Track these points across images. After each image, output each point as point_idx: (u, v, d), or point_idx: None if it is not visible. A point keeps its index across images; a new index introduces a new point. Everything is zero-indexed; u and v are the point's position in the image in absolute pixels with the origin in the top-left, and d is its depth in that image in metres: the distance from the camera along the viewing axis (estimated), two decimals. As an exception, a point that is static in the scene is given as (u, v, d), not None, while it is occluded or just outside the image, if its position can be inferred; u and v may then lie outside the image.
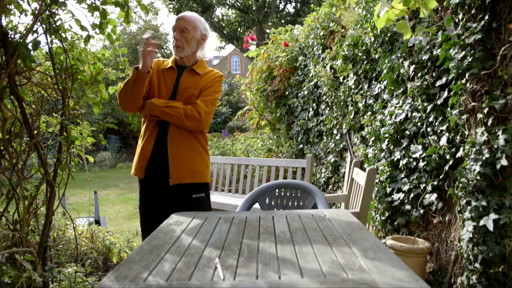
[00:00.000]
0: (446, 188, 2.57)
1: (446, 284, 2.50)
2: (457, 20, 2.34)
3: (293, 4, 21.81)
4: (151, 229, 1.63)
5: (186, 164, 2.08)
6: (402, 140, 2.96)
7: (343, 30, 4.12)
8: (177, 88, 2.11)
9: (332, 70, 4.26)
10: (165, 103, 2.05)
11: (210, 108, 2.11)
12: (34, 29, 2.15)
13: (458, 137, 2.44)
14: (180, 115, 2.03)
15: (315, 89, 4.86)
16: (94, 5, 2.28)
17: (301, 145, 5.30)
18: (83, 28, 2.32)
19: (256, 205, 2.75)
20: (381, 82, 3.30)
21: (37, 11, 2.15)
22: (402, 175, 2.92)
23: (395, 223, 2.97)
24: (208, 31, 2.20)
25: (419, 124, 2.77)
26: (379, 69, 3.37)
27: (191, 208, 2.04)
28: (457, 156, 2.42)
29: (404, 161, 2.86)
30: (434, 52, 2.58)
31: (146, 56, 1.97)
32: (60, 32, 2.29)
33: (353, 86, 3.80)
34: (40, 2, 2.14)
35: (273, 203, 2.35)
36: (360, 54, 3.61)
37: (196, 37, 2.13)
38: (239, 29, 22.24)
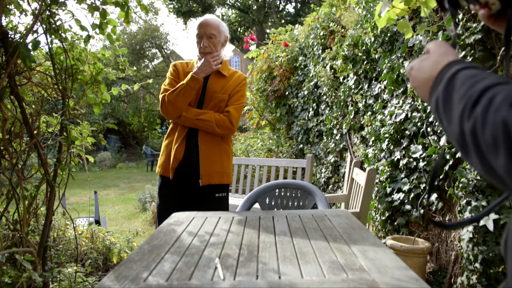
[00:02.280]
0: (446, 188, 2.57)
1: (446, 284, 2.50)
2: (457, 20, 2.34)
3: (293, 4, 21.81)
4: None
5: (216, 165, 2.14)
6: (402, 140, 2.96)
7: (343, 30, 4.12)
8: (204, 93, 2.16)
9: (332, 70, 4.26)
10: (196, 115, 2.10)
11: (240, 114, 2.19)
12: (34, 29, 2.15)
13: (458, 137, 2.43)
14: (212, 127, 2.09)
15: (315, 89, 4.86)
16: (94, 5, 2.28)
17: (301, 145, 5.30)
18: (83, 28, 2.32)
19: (256, 205, 2.75)
20: (381, 82, 3.30)
21: (37, 11, 2.15)
22: (402, 175, 2.92)
23: (395, 223, 2.97)
24: (228, 32, 2.25)
25: (419, 124, 2.77)
26: (379, 69, 3.37)
27: (214, 208, 2.07)
28: (457, 156, 2.42)
29: (404, 161, 2.86)
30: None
31: (210, 64, 2.10)
32: (60, 32, 2.29)
33: (353, 86, 3.80)
34: (40, 2, 2.14)
35: (273, 203, 2.35)
36: (360, 54, 3.61)
37: (221, 41, 2.19)
38: (239, 29, 22.24)
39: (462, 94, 0.54)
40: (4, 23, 2.19)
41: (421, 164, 2.70)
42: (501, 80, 0.52)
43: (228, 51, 2.26)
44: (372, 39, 3.27)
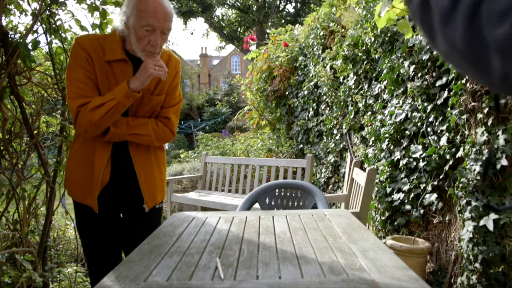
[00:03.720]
0: (446, 188, 2.57)
1: (446, 284, 2.50)
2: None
3: (293, 4, 21.82)
4: (115, 263, 1.48)
5: (157, 181, 1.74)
6: (402, 140, 2.96)
7: (343, 30, 4.12)
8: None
9: (332, 70, 4.26)
10: (129, 129, 1.60)
11: (178, 116, 1.78)
12: (34, 29, 2.15)
13: (458, 137, 2.44)
14: (151, 141, 1.66)
15: (315, 89, 4.86)
16: (94, 5, 2.28)
17: (301, 145, 5.30)
18: (83, 28, 2.32)
19: (256, 205, 2.75)
20: (381, 82, 3.30)
21: (37, 11, 2.15)
22: (402, 175, 2.92)
23: (395, 223, 2.97)
24: None
25: (419, 124, 2.77)
26: (379, 69, 3.37)
27: (153, 223, 1.75)
28: (457, 156, 2.42)
29: (404, 161, 2.86)
30: (434, 52, 2.57)
31: (152, 74, 1.51)
32: (60, 32, 2.29)
33: (353, 86, 3.80)
34: (40, 2, 2.14)
35: (273, 203, 2.35)
36: (360, 54, 3.61)
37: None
38: (239, 29, 22.25)
39: None
40: (4, 23, 2.19)
41: (421, 164, 2.70)
42: None
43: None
44: (372, 39, 3.27)
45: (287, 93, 5.67)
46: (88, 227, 1.70)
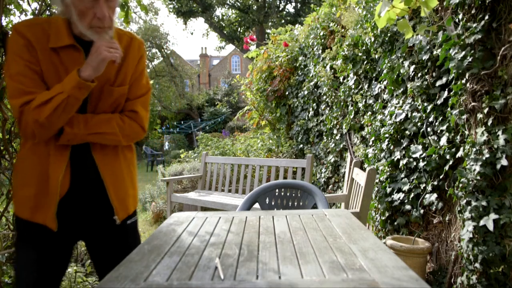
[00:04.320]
0: (446, 188, 2.57)
1: (446, 284, 2.50)
2: (457, 20, 2.34)
3: (293, 4, 21.82)
4: None
5: (128, 187, 1.47)
6: (402, 140, 2.96)
7: (343, 30, 4.12)
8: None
9: (332, 70, 4.26)
10: (89, 128, 1.34)
11: (148, 109, 1.52)
12: (34, 29, 2.14)
13: (458, 137, 2.44)
14: (117, 140, 1.40)
15: (315, 89, 4.86)
16: (94, 5, 2.28)
17: (301, 145, 5.30)
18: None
19: (256, 205, 2.75)
20: (381, 82, 3.30)
21: (37, 11, 2.15)
22: (402, 175, 2.92)
23: (395, 223, 2.98)
24: None
25: (419, 124, 2.77)
26: (379, 69, 3.37)
27: (129, 243, 1.48)
28: (457, 156, 2.42)
29: (404, 161, 2.86)
30: (434, 52, 2.58)
31: (107, 56, 1.27)
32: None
33: (353, 86, 3.80)
34: (40, 2, 2.14)
35: (273, 203, 2.35)
36: (360, 54, 3.61)
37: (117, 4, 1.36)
38: (239, 29, 22.26)
39: None
40: (4, 23, 2.19)
41: (421, 164, 2.70)
42: None
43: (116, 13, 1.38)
44: (372, 39, 3.27)
45: (287, 93, 5.67)
46: (37, 253, 1.34)
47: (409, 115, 2.85)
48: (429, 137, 2.65)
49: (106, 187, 1.39)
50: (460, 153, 2.37)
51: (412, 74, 2.84)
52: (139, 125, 1.45)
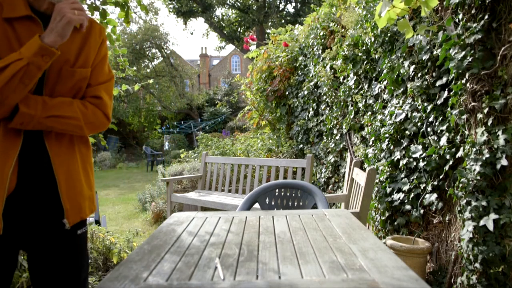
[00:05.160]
0: (446, 188, 2.57)
1: (446, 284, 2.50)
2: (457, 20, 2.34)
3: (293, 4, 21.82)
4: None
5: (84, 187, 1.31)
6: (402, 140, 2.96)
7: (343, 30, 4.12)
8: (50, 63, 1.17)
9: (332, 70, 4.26)
10: (45, 110, 1.17)
11: (112, 96, 1.39)
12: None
13: (458, 137, 2.44)
14: (79, 127, 1.25)
15: (315, 89, 4.86)
16: (94, 5, 2.28)
17: (301, 145, 5.30)
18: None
19: (256, 205, 2.75)
20: (381, 82, 3.30)
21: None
22: (402, 175, 2.92)
23: (395, 223, 2.98)
24: None
25: (419, 124, 2.77)
26: (379, 69, 3.37)
27: (76, 254, 1.33)
28: (457, 156, 2.42)
29: (404, 161, 2.86)
30: (434, 52, 2.58)
31: (71, 18, 1.14)
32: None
33: (353, 86, 3.80)
34: (40, 2, 2.14)
35: (273, 203, 2.35)
36: (360, 54, 3.61)
37: None
38: (239, 29, 22.25)
39: None
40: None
41: (421, 164, 2.70)
42: None
43: None
44: (372, 39, 3.27)
45: (287, 93, 5.67)
46: None
47: (409, 115, 2.85)
48: (429, 137, 2.65)
49: (58, 184, 1.23)
50: (460, 153, 2.38)
51: (412, 74, 2.84)
52: (103, 113, 1.31)
